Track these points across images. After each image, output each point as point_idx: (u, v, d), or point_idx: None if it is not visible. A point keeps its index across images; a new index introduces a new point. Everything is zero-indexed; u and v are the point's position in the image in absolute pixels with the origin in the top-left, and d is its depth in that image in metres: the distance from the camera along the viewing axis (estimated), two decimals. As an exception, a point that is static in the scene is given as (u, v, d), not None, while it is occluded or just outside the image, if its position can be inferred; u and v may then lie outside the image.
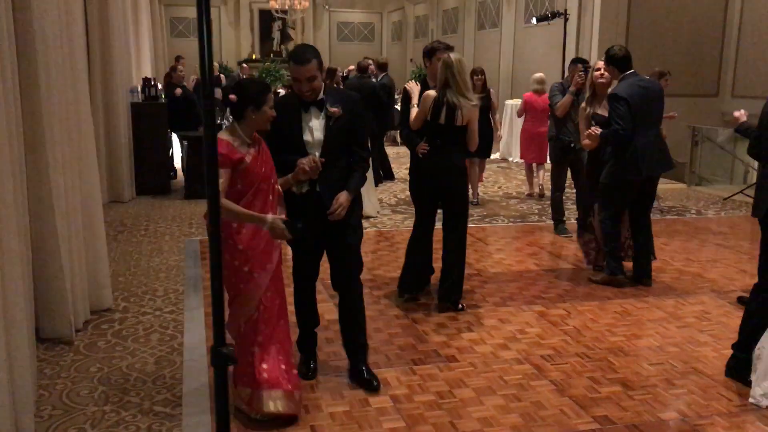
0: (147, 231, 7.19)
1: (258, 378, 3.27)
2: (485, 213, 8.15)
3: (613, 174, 5.31)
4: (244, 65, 18.45)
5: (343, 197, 3.54)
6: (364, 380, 3.70)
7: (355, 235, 3.72)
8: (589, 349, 4.27)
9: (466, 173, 4.90)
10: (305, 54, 3.44)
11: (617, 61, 5.36)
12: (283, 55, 23.75)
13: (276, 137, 3.46)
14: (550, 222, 7.47)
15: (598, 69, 5.60)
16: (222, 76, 15.78)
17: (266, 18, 23.26)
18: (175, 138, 10.21)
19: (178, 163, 10.55)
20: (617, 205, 5.42)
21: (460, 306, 4.92)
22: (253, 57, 23.13)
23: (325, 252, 3.77)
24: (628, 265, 5.62)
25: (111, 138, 8.36)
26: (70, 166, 4.35)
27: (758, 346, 3.65)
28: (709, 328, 4.64)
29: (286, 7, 20.03)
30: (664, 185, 10.06)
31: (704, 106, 13.12)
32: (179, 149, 10.32)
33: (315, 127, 3.55)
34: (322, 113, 3.55)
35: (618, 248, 5.50)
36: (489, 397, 3.63)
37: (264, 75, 16.14)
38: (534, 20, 11.92)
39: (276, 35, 24.06)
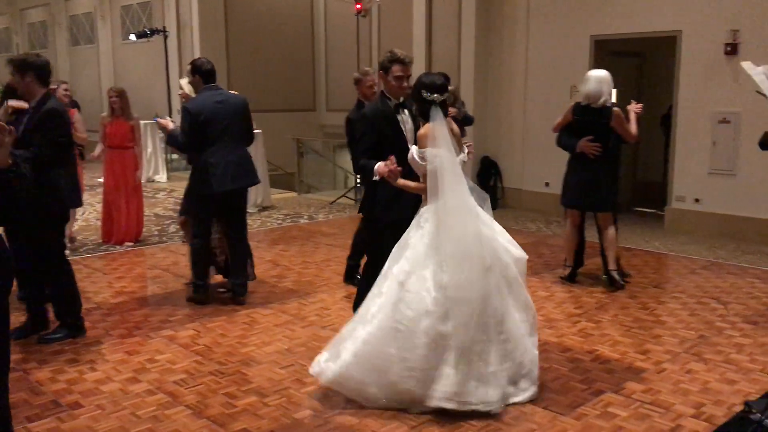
0: None
1: None
2: (99, 240, 7.57)
3: (191, 187, 5.46)
4: None
5: None
6: None
7: None
8: (222, 365, 4.24)
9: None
10: None
11: (200, 71, 5.35)
12: None
13: None
14: (171, 241, 7.26)
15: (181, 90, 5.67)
16: None
17: None
18: None
19: None
20: (199, 218, 5.43)
21: None
22: None
23: None
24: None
25: None
26: None
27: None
28: (330, 322, 5.00)
29: None
30: (278, 195, 10.63)
31: (304, 119, 14.30)
32: None
33: None
34: None
35: (200, 265, 5.45)
36: (122, 438, 3.36)
37: None
38: (133, 37, 11.58)
39: None
